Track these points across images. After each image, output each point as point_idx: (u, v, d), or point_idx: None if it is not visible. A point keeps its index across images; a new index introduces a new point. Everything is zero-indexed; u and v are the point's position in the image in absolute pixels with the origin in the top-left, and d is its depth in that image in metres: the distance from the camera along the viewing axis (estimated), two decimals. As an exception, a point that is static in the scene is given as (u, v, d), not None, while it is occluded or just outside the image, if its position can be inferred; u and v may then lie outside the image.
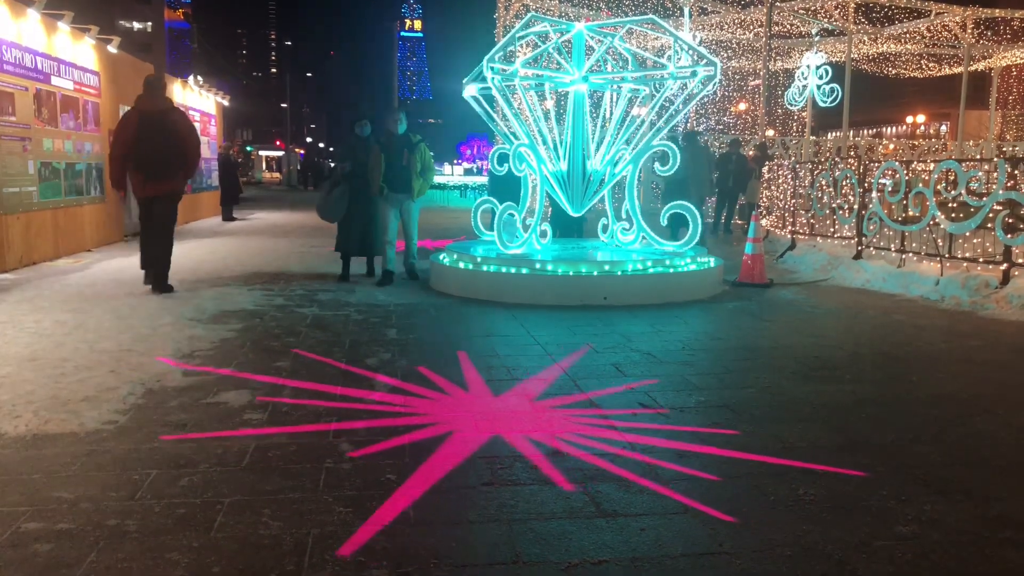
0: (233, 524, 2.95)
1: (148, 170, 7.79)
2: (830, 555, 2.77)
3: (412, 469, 3.50)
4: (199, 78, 20.69)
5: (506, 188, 9.38)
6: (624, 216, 9.32)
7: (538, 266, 7.92)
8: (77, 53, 11.71)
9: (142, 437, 3.87)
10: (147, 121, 7.74)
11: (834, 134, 31.87)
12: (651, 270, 8.04)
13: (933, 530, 2.98)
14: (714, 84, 8.59)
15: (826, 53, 19.86)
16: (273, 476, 3.40)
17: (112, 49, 13.00)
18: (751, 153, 16.72)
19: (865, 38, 20.15)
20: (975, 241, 8.57)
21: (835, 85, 18.11)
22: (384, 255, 8.80)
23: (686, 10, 17.72)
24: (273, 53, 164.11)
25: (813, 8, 18.91)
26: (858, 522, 3.03)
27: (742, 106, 26.32)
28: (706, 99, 19.77)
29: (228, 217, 18.61)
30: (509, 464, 3.57)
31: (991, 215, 8.05)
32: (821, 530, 2.96)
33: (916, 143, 28.79)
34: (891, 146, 29.45)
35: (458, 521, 3.01)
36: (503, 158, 8.69)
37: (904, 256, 9.26)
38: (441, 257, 8.77)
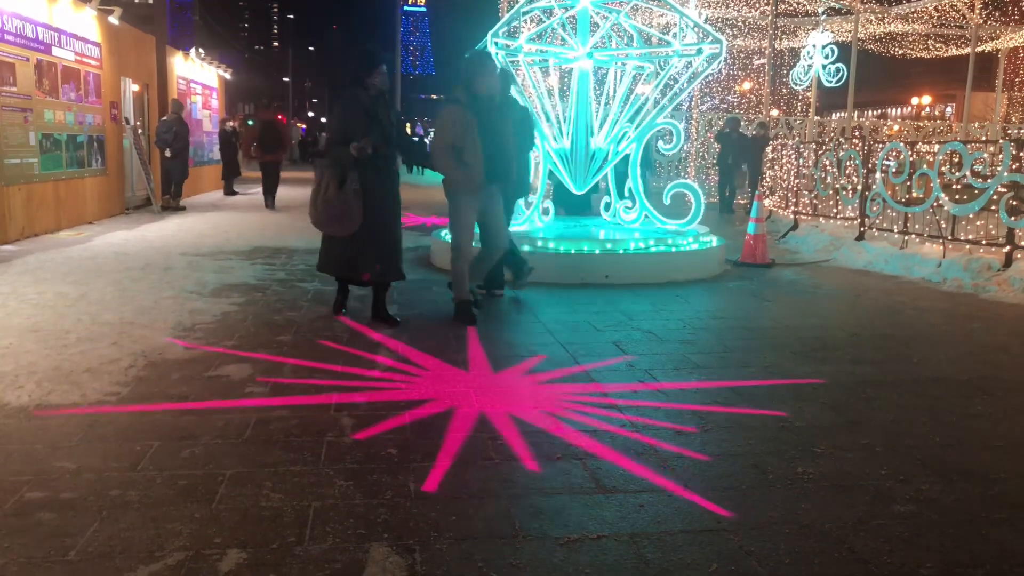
0: (234, 496, 2.97)
1: (266, 148, 15.09)
2: (828, 533, 2.79)
3: (413, 444, 3.51)
4: (201, 50, 20.53)
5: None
6: (627, 194, 9.30)
7: (540, 244, 7.91)
8: (78, 24, 11.63)
9: (144, 409, 3.88)
10: (264, 123, 15.59)
11: (839, 114, 31.74)
12: (653, 249, 8.03)
13: (930, 510, 2.99)
14: (719, 62, 8.53)
15: (832, 32, 19.70)
16: (274, 449, 3.42)
17: (113, 20, 12.90)
18: (754, 132, 16.65)
19: (872, 17, 19.96)
20: (978, 223, 8.55)
21: (841, 65, 17.99)
22: (460, 278, 6.00)
23: (692, -13, 17.54)
24: (275, 26, 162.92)
25: (820, -14, 18.75)
26: (856, 501, 3.05)
27: (747, 85, 26.17)
28: (711, 77, 19.65)
29: (229, 191, 18.56)
30: (509, 440, 3.59)
31: (995, 197, 8.03)
32: (819, 508, 2.98)
33: (921, 124, 28.65)
34: (896, 127, 29.31)
35: (458, 495, 3.03)
36: None
37: (907, 238, 9.24)
38: (443, 234, 8.75)
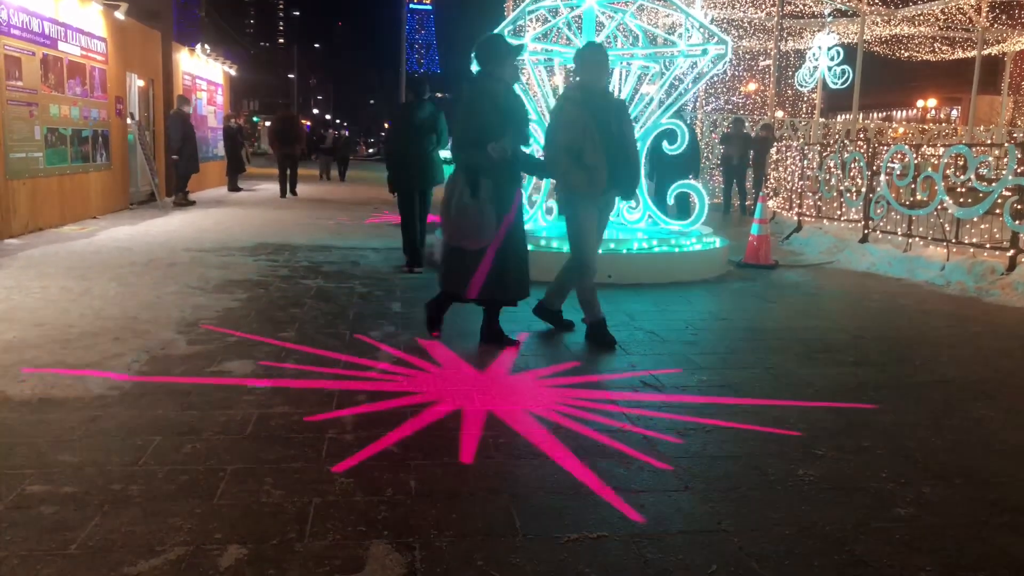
0: (235, 492, 2.97)
1: (283, 143, 17.31)
2: (828, 535, 2.79)
3: (414, 441, 3.51)
4: (206, 47, 20.55)
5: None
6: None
7: (543, 243, 7.90)
8: (84, 19, 11.65)
9: (146, 404, 3.89)
10: (284, 121, 17.88)
11: (844, 116, 31.71)
12: (656, 249, 8.02)
13: (931, 513, 2.99)
14: (724, 63, 8.52)
15: (838, 34, 19.67)
16: (276, 445, 3.42)
17: (119, 15, 12.92)
18: (763, 133, 16.64)
19: (878, 19, 19.92)
20: (982, 227, 8.53)
21: (846, 67, 17.96)
22: (590, 296, 5.39)
23: (698, -13, 17.52)
24: (281, 23, 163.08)
25: (826, -12, 18.73)
26: (856, 503, 3.05)
27: (752, 86, 26.13)
28: (716, 78, 19.61)
29: (233, 187, 18.59)
30: (510, 438, 3.59)
31: (1000, 201, 8.01)
32: (819, 510, 2.98)
33: (926, 127, 28.59)
34: (901, 130, 29.25)
35: (459, 493, 3.03)
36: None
37: (910, 240, 9.23)
38: (446, 232, 8.75)
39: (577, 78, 5.41)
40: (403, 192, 7.99)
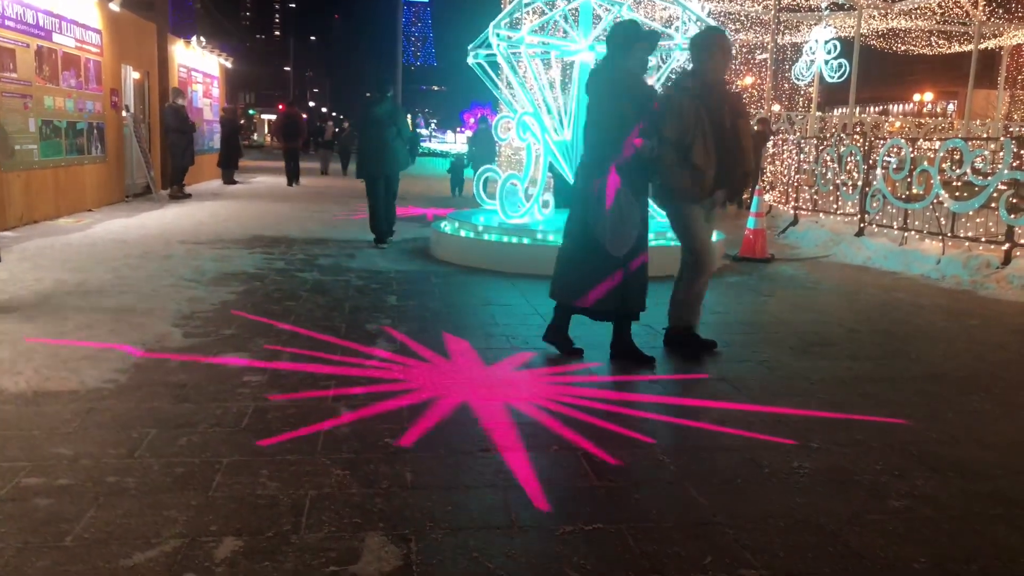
0: (231, 484, 2.97)
1: (287, 137, 18.84)
2: (823, 527, 2.80)
3: (410, 434, 3.52)
4: (202, 39, 20.49)
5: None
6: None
7: (540, 236, 7.90)
8: (79, 10, 11.59)
9: (142, 396, 3.88)
10: (290, 117, 19.31)
11: (840, 110, 31.69)
12: (651, 242, 7.99)
13: (925, 505, 3.00)
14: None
15: (835, 28, 19.66)
16: (272, 438, 3.42)
17: (114, 7, 12.86)
18: (757, 128, 16.63)
19: (875, 13, 19.92)
20: (978, 221, 8.55)
21: (843, 60, 17.97)
22: (694, 302, 5.00)
23: (695, -20, 17.48)
24: (277, 15, 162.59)
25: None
26: (851, 496, 3.06)
27: (749, 80, 26.11)
28: (713, 72, 19.55)
29: (229, 180, 18.54)
30: (506, 431, 3.59)
31: (995, 195, 8.03)
32: (814, 503, 2.98)
33: (922, 121, 28.61)
34: (897, 123, 29.26)
35: (455, 486, 3.03)
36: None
37: (906, 234, 9.24)
38: (442, 225, 8.76)
39: (691, 65, 4.89)
40: (367, 178, 9.17)
